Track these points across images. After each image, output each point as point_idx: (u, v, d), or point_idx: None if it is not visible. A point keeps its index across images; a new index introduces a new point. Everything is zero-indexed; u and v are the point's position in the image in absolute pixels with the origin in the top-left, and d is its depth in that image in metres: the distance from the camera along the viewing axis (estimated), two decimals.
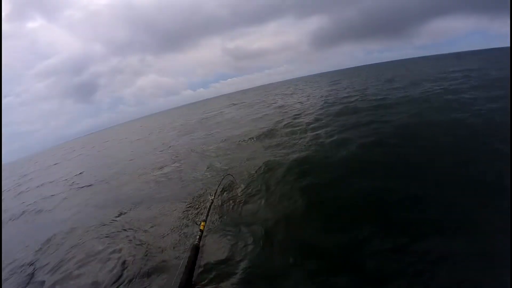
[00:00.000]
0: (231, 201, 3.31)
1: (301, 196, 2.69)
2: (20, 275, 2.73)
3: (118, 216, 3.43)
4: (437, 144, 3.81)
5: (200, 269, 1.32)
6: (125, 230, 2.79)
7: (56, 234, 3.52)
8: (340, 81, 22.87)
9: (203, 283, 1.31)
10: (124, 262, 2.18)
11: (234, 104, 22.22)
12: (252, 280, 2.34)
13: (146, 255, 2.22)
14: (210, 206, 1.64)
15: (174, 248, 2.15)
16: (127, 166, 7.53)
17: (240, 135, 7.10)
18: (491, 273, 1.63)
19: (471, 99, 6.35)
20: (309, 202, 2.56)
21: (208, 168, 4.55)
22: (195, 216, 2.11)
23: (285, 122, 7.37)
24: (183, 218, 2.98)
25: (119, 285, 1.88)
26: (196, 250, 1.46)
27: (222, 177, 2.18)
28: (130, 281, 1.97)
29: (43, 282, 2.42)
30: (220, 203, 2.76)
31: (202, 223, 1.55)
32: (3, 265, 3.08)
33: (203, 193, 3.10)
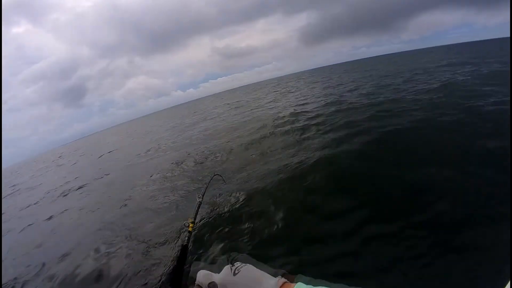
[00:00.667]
0: (220, 201, 3.35)
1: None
2: None
3: None
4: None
5: (189, 269, 1.35)
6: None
7: None
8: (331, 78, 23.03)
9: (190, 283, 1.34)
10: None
11: (227, 104, 22.09)
12: None
13: (131, 261, 2.23)
14: (198, 207, 1.67)
15: (163, 252, 2.19)
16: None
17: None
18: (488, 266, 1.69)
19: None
20: None
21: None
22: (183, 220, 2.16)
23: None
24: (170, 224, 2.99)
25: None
26: (184, 250, 1.49)
27: (210, 177, 2.19)
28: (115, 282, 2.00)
29: None
30: (208, 204, 2.77)
31: (190, 225, 1.58)
32: None
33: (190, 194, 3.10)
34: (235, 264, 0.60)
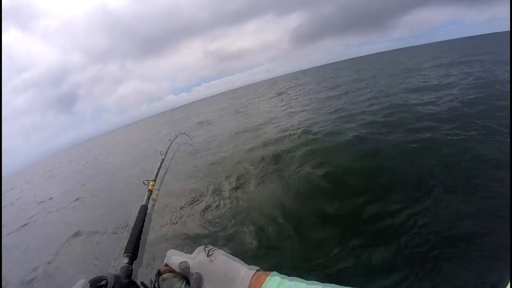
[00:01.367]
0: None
1: None
2: None
3: None
4: None
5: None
6: None
7: None
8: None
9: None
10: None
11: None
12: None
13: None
14: (160, 165, 1.51)
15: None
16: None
17: None
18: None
19: None
20: None
21: None
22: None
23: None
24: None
25: None
26: (144, 211, 1.32)
27: (175, 135, 2.04)
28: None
29: None
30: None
31: (151, 183, 1.41)
32: None
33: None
34: (208, 246, 0.57)
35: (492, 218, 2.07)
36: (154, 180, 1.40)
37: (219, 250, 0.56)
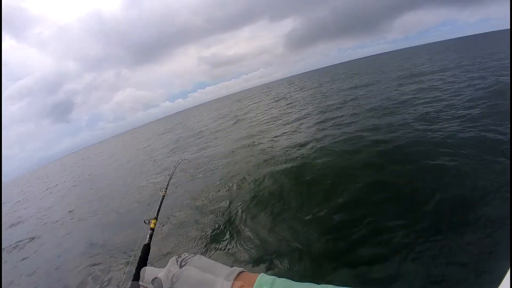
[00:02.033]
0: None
1: None
2: None
3: None
4: None
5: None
6: None
7: None
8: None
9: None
10: None
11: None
12: None
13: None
14: (161, 203, 1.52)
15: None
16: None
17: None
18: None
19: None
20: None
21: None
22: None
23: None
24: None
25: None
26: (147, 250, 1.33)
27: (175, 166, 1.99)
28: None
29: None
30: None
31: (153, 221, 1.42)
32: None
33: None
34: (181, 255, 0.54)
35: None
36: (156, 218, 1.40)
37: (193, 258, 0.52)
